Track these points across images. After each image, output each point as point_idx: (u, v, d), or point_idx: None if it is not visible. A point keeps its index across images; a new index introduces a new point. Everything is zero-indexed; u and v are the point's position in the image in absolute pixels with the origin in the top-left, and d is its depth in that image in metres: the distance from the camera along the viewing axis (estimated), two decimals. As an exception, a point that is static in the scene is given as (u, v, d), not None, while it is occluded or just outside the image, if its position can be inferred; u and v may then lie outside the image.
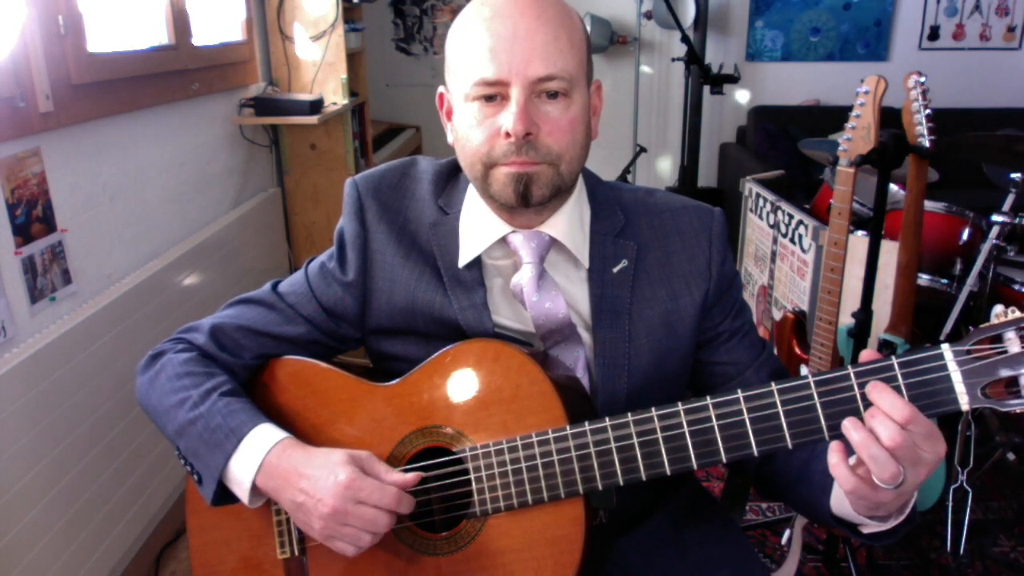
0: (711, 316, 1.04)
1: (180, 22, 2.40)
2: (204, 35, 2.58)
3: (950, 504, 1.97)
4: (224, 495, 0.95)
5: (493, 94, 0.90)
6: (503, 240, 1.00)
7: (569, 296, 1.01)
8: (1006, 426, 2.22)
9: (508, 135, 0.89)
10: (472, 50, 0.91)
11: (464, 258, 1.01)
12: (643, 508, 1.10)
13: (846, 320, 1.78)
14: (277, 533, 0.99)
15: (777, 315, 2.62)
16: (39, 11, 1.72)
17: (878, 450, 0.73)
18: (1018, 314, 0.71)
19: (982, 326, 0.73)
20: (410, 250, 1.03)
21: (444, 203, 1.05)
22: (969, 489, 1.96)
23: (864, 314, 1.74)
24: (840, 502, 0.87)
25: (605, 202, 1.05)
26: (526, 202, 0.93)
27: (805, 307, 2.35)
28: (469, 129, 0.93)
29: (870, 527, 0.86)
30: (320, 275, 1.06)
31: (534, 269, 0.98)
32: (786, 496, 1.02)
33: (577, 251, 1.01)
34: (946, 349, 0.73)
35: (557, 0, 0.93)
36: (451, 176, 1.07)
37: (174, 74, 2.36)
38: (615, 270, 1.01)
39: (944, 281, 2.26)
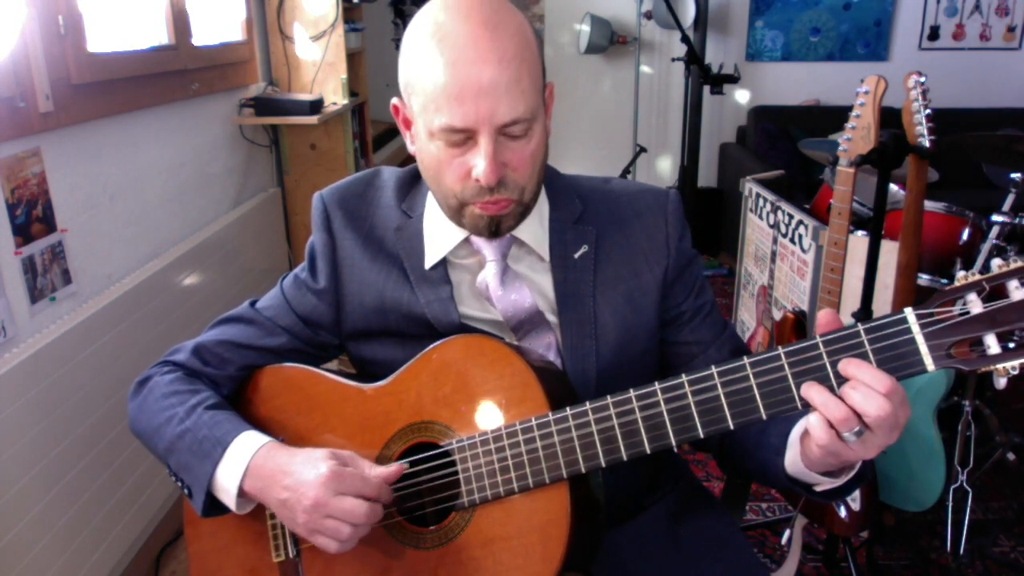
0: (673, 294, 1.06)
1: (180, 22, 2.40)
2: (204, 35, 2.58)
3: (950, 504, 1.97)
4: (214, 506, 0.97)
5: (460, 138, 0.90)
6: (467, 240, 1.03)
7: (535, 285, 1.04)
8: (1006, 426, 2.22)
9: (478, 180, 0.91)
10: (434, 89, 0.88)
11: (430, 260, 1.04)
12: (636, 498, 1.11)
13: (846, 320, 1.78)
14: (272, 537, 1.01)
15: (777, 315, 2.62)
16: (39, 11, 1.72)
17: (826, 397, 0.77)
18: (978, 276, 0.74)
19: (945, 288, 0.76)
20: (377, 253, 1.06)
21: (407, 207, 1.08)
22: (969, 489, 1.96)
23: (864, 314, 1.74)
24: (794, 462, 0.89)
25: (562, 191, 1.07)
26: (496, 236, 0.98)
27: (805, 307, 2.35)
28: (438, 164, 0.94)
29: (823, 484, 0.89)
30: (294, 286, 1.09)
31: (497, 266, 1.02)
32: (744, 464, 1.03)
33: (538, 247, 1.03)
34: (909, 312, 0.76)
35: (511, 29, 0.89)
36: (413, 182, 1.10)
37: (174, 74, 2.36)
38: (576, 255, 1.04)
39: (944, 281, 2.25)
